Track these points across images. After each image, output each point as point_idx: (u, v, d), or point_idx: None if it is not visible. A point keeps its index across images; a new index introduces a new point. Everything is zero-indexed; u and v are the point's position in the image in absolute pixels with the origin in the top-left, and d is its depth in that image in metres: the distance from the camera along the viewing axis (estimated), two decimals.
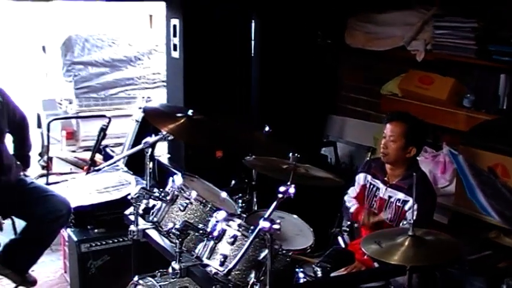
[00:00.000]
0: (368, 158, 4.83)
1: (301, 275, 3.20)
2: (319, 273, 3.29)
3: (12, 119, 4.54)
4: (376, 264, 3.33)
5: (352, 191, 3.98)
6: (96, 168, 5.25)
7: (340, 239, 4.13)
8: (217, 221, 3.00)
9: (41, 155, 6.66)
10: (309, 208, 3.72)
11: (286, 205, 3.05)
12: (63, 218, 4.41)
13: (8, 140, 4.62)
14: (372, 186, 3.84)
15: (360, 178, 3.93)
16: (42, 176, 5.90)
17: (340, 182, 3.25)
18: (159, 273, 3.35)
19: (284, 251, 3.00)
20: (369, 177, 3.87)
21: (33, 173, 5.53)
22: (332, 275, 3.45)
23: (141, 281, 3.30)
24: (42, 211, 4.36)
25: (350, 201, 3.95)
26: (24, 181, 4.56)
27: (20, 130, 4.71)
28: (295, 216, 3.63)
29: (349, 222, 4.11)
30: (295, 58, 5.44)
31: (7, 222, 4.60)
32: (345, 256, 3.75)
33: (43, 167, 6.16)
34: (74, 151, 7.15)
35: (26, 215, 4.43)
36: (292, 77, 5.46)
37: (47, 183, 5.35)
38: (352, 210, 3.89)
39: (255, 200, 3.95)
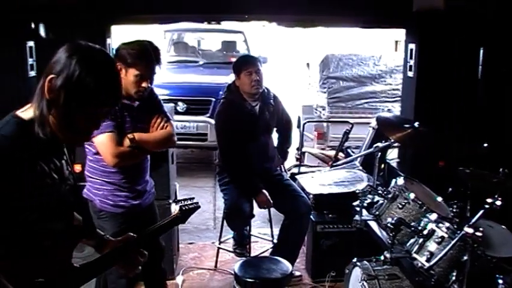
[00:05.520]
0: None
1: (500, 281, 2.89)
2: None
3: (280, 120, 4.68)
4: None
5: None
6: (337, 164, 5.28)
7: None
8: (428, 222, 2.86)
9: (297, 149, 6.87)
10: None
11: (498, 215, 2.79)
12: (305, 216, 4.42)
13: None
14: None
15: None
16: (295, 166, 6.04)
17: None
18: (374, 259, 3.26)
19: (488, 257, 2.75)
20: None
21: (289, 163, 5.73)
22: None
23: (358, 263, 3.26)
24: (289, 207, 4.42)
25: None
26: (282, 176, 4.68)
27: (284, 129, 4.84)
28: (503, 226, 3.28)
29: None
30: None
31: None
32: None
33: (297, 159, 6.34)
34: (322, 149, 7.28)
35: (276, 203, 4.46)
36: None
37: (299, 172, 5.48)
38: None
39: (468, 207, 3.65)
